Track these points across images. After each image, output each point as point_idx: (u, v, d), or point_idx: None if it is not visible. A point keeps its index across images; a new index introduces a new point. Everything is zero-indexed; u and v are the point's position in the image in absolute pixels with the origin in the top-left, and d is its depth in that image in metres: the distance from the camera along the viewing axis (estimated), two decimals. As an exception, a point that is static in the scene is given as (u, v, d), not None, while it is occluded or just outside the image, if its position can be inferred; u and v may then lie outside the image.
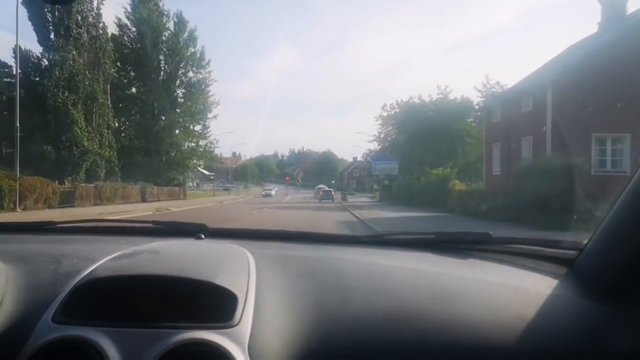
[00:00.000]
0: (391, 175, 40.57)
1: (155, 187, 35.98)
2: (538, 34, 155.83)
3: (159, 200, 34.03)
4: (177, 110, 42.15)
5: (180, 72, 41.93)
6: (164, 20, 40.31)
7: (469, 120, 38.68)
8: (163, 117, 41.25)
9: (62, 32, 26.76)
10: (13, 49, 22.04)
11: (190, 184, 64.89)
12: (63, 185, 24.19)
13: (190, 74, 42.62)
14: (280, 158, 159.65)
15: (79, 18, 27.92)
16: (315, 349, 0.82)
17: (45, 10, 25.94)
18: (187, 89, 42.59)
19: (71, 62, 27.06)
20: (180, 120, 42.45)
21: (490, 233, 1.31)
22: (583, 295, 0.99)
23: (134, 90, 41.21)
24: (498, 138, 22.19)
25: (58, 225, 1.56)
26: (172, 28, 40.86)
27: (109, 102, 31.92)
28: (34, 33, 26.59)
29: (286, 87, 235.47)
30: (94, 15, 29.84)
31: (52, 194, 22.16)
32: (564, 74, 16.87)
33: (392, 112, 43.54)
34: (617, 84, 15.35)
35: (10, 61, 27.11)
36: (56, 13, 26.23)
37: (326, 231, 1.98)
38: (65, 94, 26.90)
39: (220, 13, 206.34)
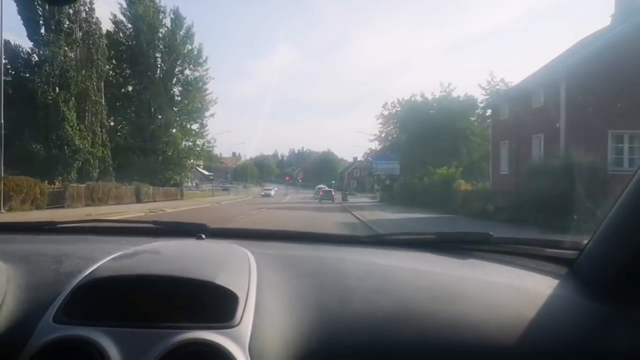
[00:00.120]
0: (392, 175, 39.90)
1: (151, 188, 35.20)
2: (538, 34, 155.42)
3: (155, 201, 33.31)
4: (174, 108, 41.49)
5: (177, 69, 41.33)
6: (161, 17, 39.71)
7: (472, 119, 37.89)
8: (159, 116, 40.52)
9: (52, 27, 25.91)
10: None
11: (190, 184, 64.56)
12: (53, 186, 23.39)
13: (188, 71, 42.06)
14: (280, 158, 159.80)
15: (71, 12, 27.10)
16: (315, 348, 0.82)
17: (35, 3, 25.11)
18: (184, 86, 41.93)
19: (62, 58, 26.27)
20: (177, 118, 41.82)
21: (491, 233, 1.30)
22: (583, 295, 0.99)
23: (129, 88, 40.56)
24: (506, 136, 21.48)
25: (59, 225, 1.56)
26: (168, 25, 40.26)
27: (102, 100, 31.17)
28: (23, 28, 25.82)
29: (286, 87, 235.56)
30: (87, 10, 29.05)
31: (40, 194, 21.34)
32: (579, 68, 16.05)
33: (394, 110, 42.69)
34: (634, 78, 14.56)
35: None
36: (46, 7, 25.35)
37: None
38: (56, 91, 26.14)
39: (219, 13, 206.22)
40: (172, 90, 41.35)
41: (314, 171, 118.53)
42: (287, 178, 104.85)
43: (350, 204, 34.16)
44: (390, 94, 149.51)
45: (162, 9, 39.63)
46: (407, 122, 39.32)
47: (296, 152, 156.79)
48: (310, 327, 0.85)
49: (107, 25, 36.72)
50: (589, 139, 14.52)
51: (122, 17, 38.98)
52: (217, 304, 0.84)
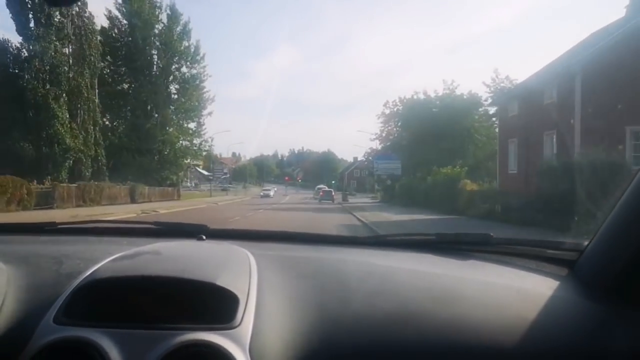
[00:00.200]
0: (394, 175, 39.09)
1: (147, 188, 34.28)
2: (540, 33, 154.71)
3: (150, 201, 32.41)
4: (171, 106, 40.60)
5: (173, 66, 40.45)
6: (157, 13, 38.79)
7: (475, 117, 36.96)
8: (156, 114, 39.62)
9: (42, 21, 25.06)
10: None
11: (188, 184, 63.70)
12: (42, 186, 22.48)
13: (184, 68, 41.17)
14: (280, 158, 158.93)
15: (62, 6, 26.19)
16: (316, 349, 0.83)
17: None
18: (181, 84, 41.09)
19: (53, 54, 25.42)
20: (174, 117, 40.99)
21: (491, 234, 1.29)
22: (583, 296, 0.99)
23: (125, 85, 39.67)
24: (514, 134, 20.65)
25: (59, 226, 1.55)
26: (165, 21, 39.37)
27: (96, 98, 30.29)
28: (12, 21, 24.93)
29: (286, 87, 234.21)
30: (79, 4, 28.07)
31: (28, 194, 20.42)
32: (594, 60, 15.14)
33: (395, 109, 41.66)
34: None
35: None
36: (36, 0, 24.44)
37: None
38: (47, 88, 25.24)
39: (219, 13, 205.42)
40: (168, 87, 40.52)
41: (314, 171, 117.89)
42: (286, 178, 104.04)
43: (350, 205, 33.56)
44: (390, 94, 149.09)
45: (158, 5, 38.81)
46: (409, 120, 38.33)
47: (296, 152, 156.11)
48: (311, 328, 0.85)
49: (101, 21, 35.93)
50: (605, 135, 13.63)
51: (117, 13, 38.27)
52: (217, 305, 0.84)
